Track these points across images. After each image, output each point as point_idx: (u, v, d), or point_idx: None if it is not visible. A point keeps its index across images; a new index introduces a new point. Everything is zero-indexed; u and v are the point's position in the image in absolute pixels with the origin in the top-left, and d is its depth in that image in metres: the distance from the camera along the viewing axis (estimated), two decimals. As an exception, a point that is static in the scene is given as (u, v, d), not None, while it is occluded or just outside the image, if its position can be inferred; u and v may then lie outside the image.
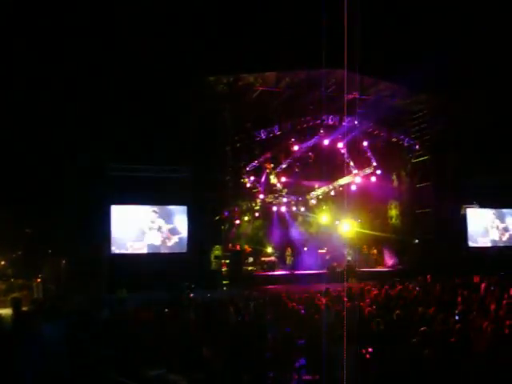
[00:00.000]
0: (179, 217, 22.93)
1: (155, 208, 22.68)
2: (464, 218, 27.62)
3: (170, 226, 22.75)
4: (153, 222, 22.52)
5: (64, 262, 22.77)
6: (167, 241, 22.61)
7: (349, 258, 26.11)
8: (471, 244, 27.46)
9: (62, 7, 20.16)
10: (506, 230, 28.37)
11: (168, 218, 22.87)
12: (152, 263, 21.34)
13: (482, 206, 28.36)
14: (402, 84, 23.81)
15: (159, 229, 22.53)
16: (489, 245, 27.86)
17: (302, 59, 20.26)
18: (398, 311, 9.82)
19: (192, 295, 16.85)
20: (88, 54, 21.30)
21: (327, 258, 26.73)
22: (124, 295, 16.98)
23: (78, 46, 21.06)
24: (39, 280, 20.75)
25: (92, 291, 17.94)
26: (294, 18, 19.20)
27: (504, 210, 28.54)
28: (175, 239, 22.67)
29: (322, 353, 7.55)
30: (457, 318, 9.63)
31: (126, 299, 16.56)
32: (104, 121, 22.57)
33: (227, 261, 23.67)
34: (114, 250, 21.80)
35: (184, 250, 22.56)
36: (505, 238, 28.27)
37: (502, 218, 28.41)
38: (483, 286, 14.93)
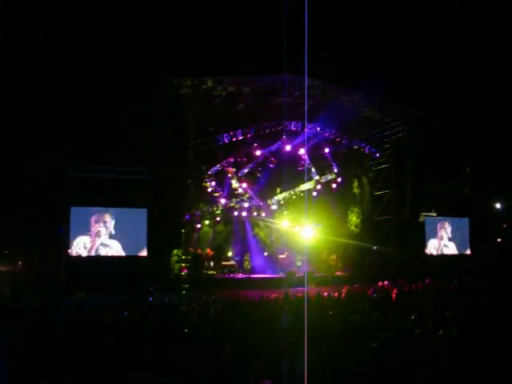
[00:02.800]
0: (139, 219, 22.65)
1: (115, 210, 22.38)
2: (422, 226, 28.15)
3: (129, 229, 22.46)
4: (112, 224, 22.22)
5: (20, 263, 22.28)
6: (127, 243, 22.32)
7: (308, 264, 26.23)
8: (428, 251, 28.01)
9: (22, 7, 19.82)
10: (458, 237, 29.02)
11: (128, 221, 22.58)
12: (111, 266, 21.07)
13: (440, 214, 28.98)
14: (364, 92, 24.12)
15: (119, 231, 22.23)
16: (445, 252, 28.47)
17: (264, 64, 20.35)
18: (356, 316, 9.93)
19: (151, 299, 16.68)
20: (49, 54, 20.97)
21: (287, 263, 26.85)
22: (82, 298, 16.66)
23: (38, 45, 20.71)
24: (-6, 281, 20.27)
25: (49, 294, 17.57)
26: (258, 24, 19.30)
27: (458, 218, 29.16)
28: (135, 242, 22.41)
29: (282, 356, 7.57)
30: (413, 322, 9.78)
31: (84, 302, 16.27)
32: (64, 121, 22.21)
33: (187, 264, 23.56)
34: (73, 252, 21.42)
35: (144, 252, 22.32)
36: (458, 246, 28.91)
37: (456, 226, 29.02)
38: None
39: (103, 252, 21.91)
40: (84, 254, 21.56)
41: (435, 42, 21.90)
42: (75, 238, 21.60)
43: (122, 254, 22.09)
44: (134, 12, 20.28)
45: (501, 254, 27.65)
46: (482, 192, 29.28)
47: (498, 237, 30.63)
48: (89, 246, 21.76)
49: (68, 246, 21.34)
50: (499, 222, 30.56)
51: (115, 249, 22.13)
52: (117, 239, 22.16)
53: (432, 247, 28.29)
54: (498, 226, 30.56)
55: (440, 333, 8.13)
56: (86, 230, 21.83)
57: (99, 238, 21.99)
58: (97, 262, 21.44)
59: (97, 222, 22.09)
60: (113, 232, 22.12)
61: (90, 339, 8.98)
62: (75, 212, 21.75)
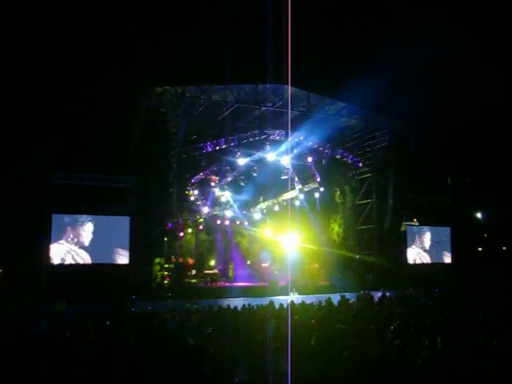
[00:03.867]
0: (121, 227, 22.51)
1: (97, 218, 22.21)
2: (404, 235, 28.32)
3: (111, 237, 22.30)
4: (94, 232, 22.05)
5: (0, 271, 22.01)
6: (108, 252, 22.14)
7: (291, 272, 26.24)
8: (410, 260, 28.19)
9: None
10: (440, 246, 29.26)
11: (110, 229, 22.42)
12: (93, 274, 20.86)
13: (422, 223, 29.20)
14: (347, 102, 24.29)
15: (100, 239, 22.05)
16: (426, 261, 28.69)
17: (248, 73, 20.41)
18: (338, 325, 9.93)
19: (133, 309, 16.54)
20: (32, 60, 20.85)
21: (269, 271, 26.87)
22: (63, 307, 16.47)
23: (20, 52, 20.58)
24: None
25: (29, 303, 17.34)
26: (241, 33, 19.35)
27: (440, 228, 29.41)
28: (117, 250, 22.24)
29: (264, 367, 7.54)
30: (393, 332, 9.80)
31: (65, 311, 16.08)
32: (47, 129, 22.06)
33: (170, 273, 23.43)
34: (54, 260, 21.19)
35: (126, 261, 22.16)
36: (439, 255, 29.16)
37: (437, 236, 29.27)
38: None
39: (85, 260, 21.71)
40: (65, 262, 21.34)
41: (417, 52, 22.12)
42: (56, 245, 21.38)
43: (104, 261, 21.90)
44: (117, 20, 20.26)
45: (481, 263, 27.94)
46: (463, 202, 29.59)
47: (479, 246, 30.95)
48: (69, 254, 21.55)
49: (48, 254, 21.11)
50: (480, 231, 30.87)
51: (97, 257, 21.94)
52: (98, 247, 21.98)
53: (414, 256, 28.47)
54: (479, 235, 30.86)
55: (426, 343, 8.16)
56: (67, 237, 21.63)
57: (80, 246, 21.79)
58: (77, 271, 21.22)
59: (78, 230, 21.89)
60: (95, 240, 21.95)
61: (72, 349, 8.88)
62: (57, 220, 21.55)
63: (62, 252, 21.41)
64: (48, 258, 21.04)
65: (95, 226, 22.02)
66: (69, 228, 21.73)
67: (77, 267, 21.42)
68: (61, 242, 21.47)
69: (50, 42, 19.64)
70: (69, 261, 21.41)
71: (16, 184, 21.62)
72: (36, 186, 21.41)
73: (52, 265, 21.08)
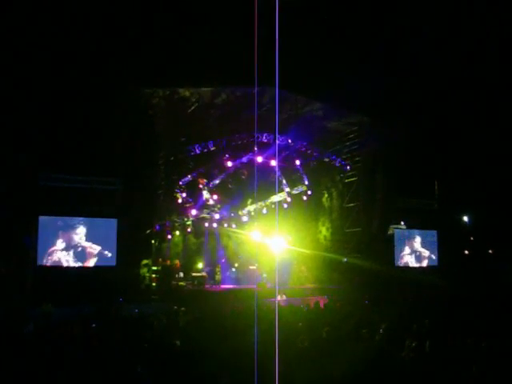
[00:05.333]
0: (108, 229, 22.40)
1: (84, 220, 22.09)
2: (391, 238, 28.43)
3: (98, 239, 22.19)
4: (81, 234, 21.92)
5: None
6: (96, 254, 22.03)
7: (279, 275, 26.29)
8: (398, 263, 28.29)
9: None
10: (427, 249, 29.43)
11: (97, 231, 22.31)
12: (80, 276, 20.76)
13: (409, 226, 29.35)
14: (334, 105, 24.32)
15: (87, 241, 21.94)
16: (414, 264, 28.83)
17: (235, 76, 20.36)
18: (326, 328, 9.94)
19: (119, 311, 16.46)
20: (17, 59, 20.68)
21: (257, 274, 26.88)
22: (50, 309, 16.37)
23: (5, 51, 20.40)
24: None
25: (15, 304, 17.21)
26: (228, 35, 19.33)
27: (427, 231, 29.58)
28: (104, 252, 22.13)
29: (251, 369, 7.52)
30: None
31: (51, 313, 15.98)
32: (34, 129, 21.87)
33: (157, 275, 23.37)
34: (40, 262, 21.04)
35: (113, 263, 22.05)
36: (426, 258, 29.31)
37: (424, 239, 29.43)
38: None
39: (72, 262, 21.58)
40: (52, 264, 21.19)
41: (402, 55, 22.22)
42: (43, 247, 21.24)
43: (91, 264, 21.80)
44: (102, 20, 20.15)
45: (468, 266, 28.12)
46: (450, 206, 29.77)
47: (466, 249, 31.14)
48: (56, 256, 21.41)
49: (35, 256, 20.96)
50: (467, 234, 31.07)
51: (84, 258, 21.83)
52: (86, 249, 21.86)
53: (401, 259, 28.58)
54: (466, 238, 31.05)
55: (413, 345, 8.20)
56: (54, 240, 21.48)
57: (67, 248, 21.66)
58: (64, 273, 21.09)
59: (66, 231, 21.77)
60: (82, 242, 21.83)
61: (59, 352, 8.82)
62: (43, 222, 21.41)
63: (48, 254, 21.26)
64: (35, 259, 20.89)
65: (83, 230, 21.91)
66: (57, 230, 21.59)
67: (64, 269, 21.28)
68: (48, 243, 21.31)
69: (34, 40, 19.47)
70: (56, 263, 21.25)
71: (2, 185, 21.40)
72: (23, 188, 21.19)
73: (39, 266, 20.93)
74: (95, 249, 21.98)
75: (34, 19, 19.13)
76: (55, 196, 21.07)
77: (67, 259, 21.56)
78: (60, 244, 21.57)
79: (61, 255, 21.47)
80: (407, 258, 28.82)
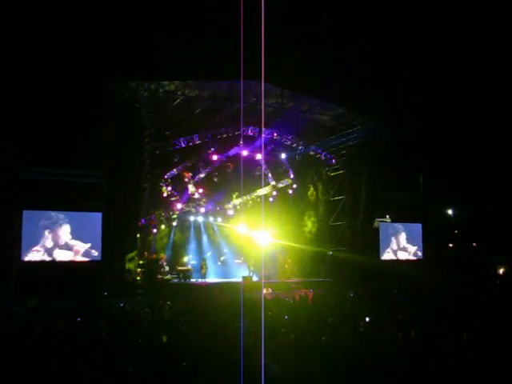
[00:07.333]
0: (93, 223, 22.24)
1: (68, 214, 21.92)
2: (376, 231, 28.54)
3: (83, 233, 22.03)
4: (65, 228, 21.76)
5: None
6: (80, 248, 21.87)
7: (265, 269, 26.36)
8: (383, 256, 28.39)
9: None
10: (412, 242, 29.59)
11: (82, 225, 22.15)
12: (64, 271, 20.58)
13: (394, 220, 29.47)
14: (320, 98, 24.32)
15: (72, 235, 21.78)
16: (399, 257, 28.95)
17: (220, 69, 20.30)
18: (312, 321, 9.99)
19: (104, 305, 16.39)
20: (3, 53, 20.45)
21: (243, 267, 26.94)
22: (34, 304, 16.26)
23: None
24: None
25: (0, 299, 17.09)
26: (214, 28, 19.27)
27: (412, 225, 29.71)
28: (89, 246, 21.98)
29: (237, 362, 7.53)
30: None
31: (36, 308, 15.87)
32: (16, 122, 21.64)
33: (142, 269, 23.30)
34: (24, 256, 20.86)
35: (98, 257, 21.92)
36: (411, 251, 29.46)
37: (409, 232, 29.57)
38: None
39: (56, 257, 21.41)
40: (35, 258, 21.02)
41: (390, 49, 22.30)
42: (27, 242, 21.05)
43: (76, 258, 21.66)
44: (89, 12, 19.97)
45: (452, 259, 28.37)
46: (434, 199, 29.95)
47: (450, 242, 31.39)
48: (41, 250, 21.23)
49: (19, 250, 20.77)
50: (451, 227, 31.31)
51: (69, 253, 21.67)
52: (70, 243, 21.72)
53: (386, 252, 28.69)
54: (450, 231, 31.30)
55: (399, 336, 8.28)
56: (38, 234, 21.30)
57: (52, 242, 21.49)
58: (48, 267, 20.91)
59: (50, 226, 21.59)
60: (66, 236, 21.67)
61: (43, 346, 8.78)
62: (27, 216, 21.21)
63: (32, 248, 21.07)
64: (19, 254, 20.71)
65: (68, 225, 21.73)
66: (41, 224, 21.40)
67: (48, 263, 21.11)
68: (32, 238, 21.12)
69: (15, 30, 19.26)
70: (40, 257, 21.05)
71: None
72: (4, 181, 20.96)
73: (23, 261, 20.75)
74: (83, 247, 21.82)
75: (16, 9, 18.91)
76: (39, 190, 20.85)
77: (52, 253, 21.37)
78: (46, 242, 21.35)
79: (45, 249, 21.27)
80: (391, 251, 28.93)
